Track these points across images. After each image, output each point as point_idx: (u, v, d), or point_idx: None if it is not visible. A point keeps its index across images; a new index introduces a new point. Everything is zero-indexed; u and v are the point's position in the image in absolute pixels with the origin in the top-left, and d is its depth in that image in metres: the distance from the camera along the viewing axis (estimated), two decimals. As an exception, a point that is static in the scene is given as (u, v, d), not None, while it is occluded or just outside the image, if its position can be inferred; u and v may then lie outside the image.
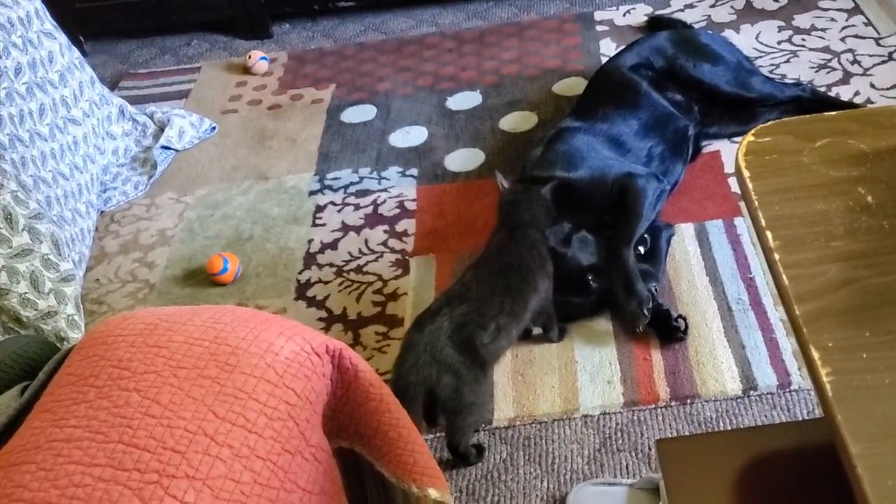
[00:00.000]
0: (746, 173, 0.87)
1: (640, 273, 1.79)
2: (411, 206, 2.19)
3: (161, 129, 2.52)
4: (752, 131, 0.92)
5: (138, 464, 0.83)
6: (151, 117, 2.56)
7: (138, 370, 0.91)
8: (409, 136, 2.46)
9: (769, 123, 0.93)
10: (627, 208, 1.84)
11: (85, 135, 2.30)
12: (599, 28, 2.79)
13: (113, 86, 2.86)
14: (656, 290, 1.76)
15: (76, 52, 2.36)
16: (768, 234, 0.80)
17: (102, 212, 2.35)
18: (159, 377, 0.90)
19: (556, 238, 1.76)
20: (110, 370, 0.91)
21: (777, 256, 0.78)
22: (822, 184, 0.85)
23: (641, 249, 1.84)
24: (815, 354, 0.69)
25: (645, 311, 1.70)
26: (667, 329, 1.72)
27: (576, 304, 1.79)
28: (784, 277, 0.76)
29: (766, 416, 1.57)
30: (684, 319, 1.73)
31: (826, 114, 0.94)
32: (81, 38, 3.06)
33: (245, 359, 0.92)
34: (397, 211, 2.18)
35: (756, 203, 0.84)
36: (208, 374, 0.90)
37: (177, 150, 2.53)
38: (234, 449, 0.86)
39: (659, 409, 1.62)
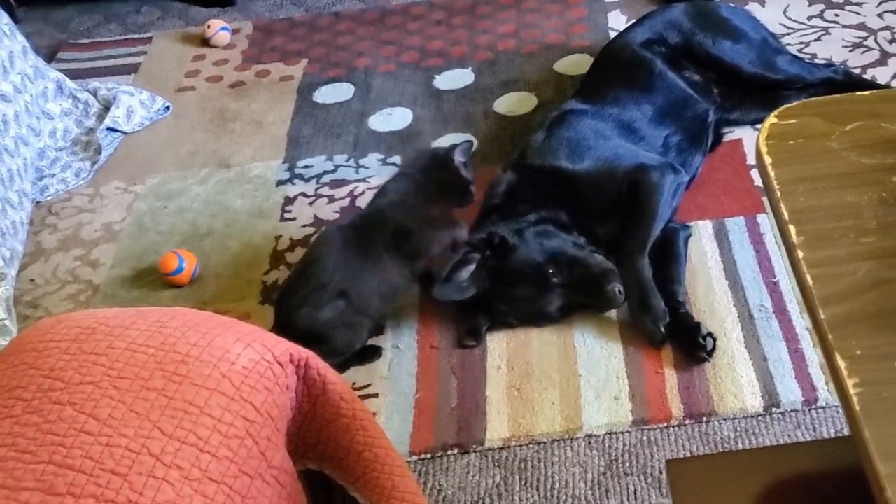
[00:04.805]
0: (768, 160, 0.87)
1: (665, 279, 1.80)
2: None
3: (106, 109, 2.51)
4: (776, 112, 0.92)
5: (72, 487, 0.83)
6: (95, 94, 2.54)
7: (73, 381, 0.90)
8: (392, 118, 2.46)
9: (794, 104, 0.94)
10: (640, 207, 1.85)
11: (16, 113, 2.28)
12: (607, -2, 2.80)
13: (50, 57, 2.84)
14: (683, 294, 1.78)
15: (6, 18, 2.35)
16: (791, 228, 0.81)
17: (38, 202, 2.34)
18: (97, 389, 0.89)
19: (509, 229, 1.80)
20: (40, 380, 0.91)
21: (801, 254, 0.78)
22: (852, 172, 0.86)
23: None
24: (842, 363, 0.69)
25: (662, 329, 1.72)
26: (690, 345, 1.72)
27: (535, 305, 1.79)
28: (808, 277, 0.76)
29: (789, 436, 1.58)
30: (713, 339, 1.72)
31: (858, 94, 0.95)
32: (13, 2, 3.04)
33: (196, 368, 0.92)
34: (376, 203, 2.18)
35: (778, 193, 0.84)
36: (154, 386, 0.90)
37: (125, 133, 2.52)
38: (183, 471, 0.86)
39: (671, 429, 1.63)
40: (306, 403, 1.01)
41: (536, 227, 1.83)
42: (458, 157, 1.80)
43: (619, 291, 1.76)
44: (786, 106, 0.93)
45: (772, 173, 0.86)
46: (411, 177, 1.84)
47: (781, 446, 1.48)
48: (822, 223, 0.81)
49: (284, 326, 1.71)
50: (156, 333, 0.94)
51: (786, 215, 0.82)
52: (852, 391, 0.67)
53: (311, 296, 1.74)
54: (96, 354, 0.93)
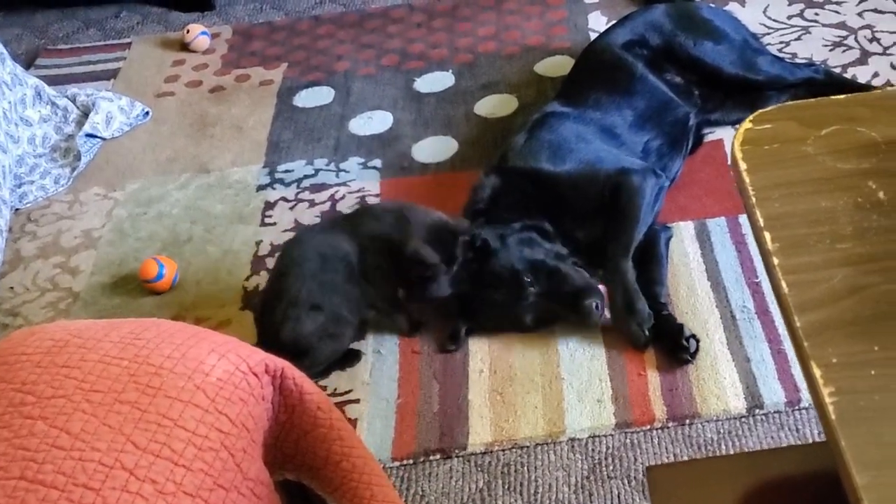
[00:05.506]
0: (743, 165, 0.87)
1: (647, 281, 1.80)
2: (374, 202, 2.18)
3: (85, 115, 2.49)
4: (751, 117, 0.92)
5: (44, 503, 0.81)
6: (74, 100, 2.53)
7: (44, 394, 0.89)
8: (372, 122, 2.45)
9: (770, 108, 0.93)
10: (623, 211, 1.85)
11: (-6, 121, 2.27)
12: None
13: (28, 63, 2.82)
14: (665, 295, 1.77)
15: (-16, 25, 2.34)
16: (766, 234, 0.80)
17: (17, 209, 2.31)
18: (69, 402, 0.88)
19: (494, 233, 1.79)
20: (11, 394, 0.89)
21: (776, 260, 0.78)
22: (828, 177, 0.85)
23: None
24: (817, 372, 0.69)
25: (646, 331, 1.72)
26: (673, 347, 1.72)
27: (509, 311, 1.79)
28: (783, 284, 0.76)
29: (772, 438, 1.58)
30: (697, 340, 1.72)
31: (834, 97, 0.94)
32: (-10, 8, 3.03)
33: (170, 380, 0.91)
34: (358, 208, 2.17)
35: (753, 199, 0.84)
36: (127, 399, 0.89)
37: (104, 139, 2.50)
38: (157, 485, 0.85)
39: (654, 431, 1.63)
40: (283, 414, 1.00)
41: (521, 234, 1.82)
42: (431, 258, 1.73)
43: (597, 307, 1.74)
44: (761, 111, 0.93)
45: (747, 179, 0.86)
46: (381, 249, 1.77)
47: (763, 451, 1.48)
48: (798, 229, 0.80)
49: (270, 343, 1.70)
50: (129, 345, 0.93)
51: (761, 221, 0.81)
52: (828, 400, 0.67)
53: (289, 310, 1.73)
54: (68, 367, 0.92)
